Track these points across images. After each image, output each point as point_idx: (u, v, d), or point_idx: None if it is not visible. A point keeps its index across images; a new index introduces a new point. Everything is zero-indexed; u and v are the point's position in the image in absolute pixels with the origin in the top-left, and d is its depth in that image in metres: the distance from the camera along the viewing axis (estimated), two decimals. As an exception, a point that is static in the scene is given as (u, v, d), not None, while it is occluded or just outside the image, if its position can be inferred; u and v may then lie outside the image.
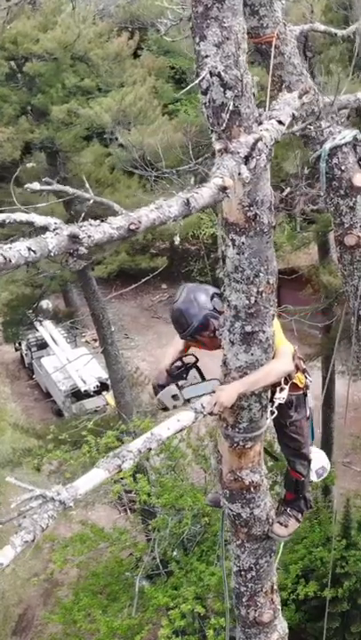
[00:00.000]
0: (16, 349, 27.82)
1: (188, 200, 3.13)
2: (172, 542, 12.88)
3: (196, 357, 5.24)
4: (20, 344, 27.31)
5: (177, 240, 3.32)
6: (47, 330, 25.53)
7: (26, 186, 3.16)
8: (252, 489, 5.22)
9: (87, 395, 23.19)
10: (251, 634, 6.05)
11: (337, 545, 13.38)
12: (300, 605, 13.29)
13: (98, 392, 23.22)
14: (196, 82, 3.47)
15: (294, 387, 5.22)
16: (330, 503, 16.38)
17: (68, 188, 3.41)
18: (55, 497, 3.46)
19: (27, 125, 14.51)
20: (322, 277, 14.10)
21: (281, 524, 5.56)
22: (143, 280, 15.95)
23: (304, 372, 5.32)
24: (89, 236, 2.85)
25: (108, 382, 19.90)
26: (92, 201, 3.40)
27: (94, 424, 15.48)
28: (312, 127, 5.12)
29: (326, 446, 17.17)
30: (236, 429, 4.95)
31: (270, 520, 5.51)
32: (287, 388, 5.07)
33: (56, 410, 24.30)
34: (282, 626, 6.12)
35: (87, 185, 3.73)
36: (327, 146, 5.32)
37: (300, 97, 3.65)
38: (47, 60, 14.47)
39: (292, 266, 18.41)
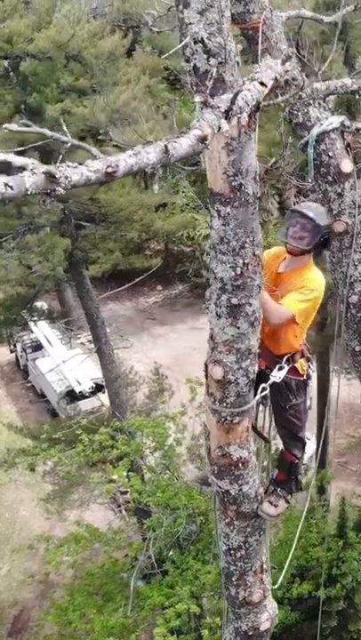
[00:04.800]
0: (11, 351, 27.77)
1: (166, 147, 3.14)
2: (167, 541, 12.83)
3: None
4: (14, 346, 27.27)
5: (155, 189, 3.32)
6: (42, 331, 25.48)
7: (4, 126, 3.17)
8: (240, 465, 5.22)
9: (82, 396, 23.13)
10: (241, 614, 6.06)
11: (334, 545, 13.33)
12: (297, 605, 13.25)
13: (93, 393, 23.16)
14: (179, 47, 3.47)
15: (295, 371, 5.24)
16: (325, 502, 16.35)
17: (46, 131, 3.43)
18: None
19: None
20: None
21: (271, 503, 5.59)
22: (138, 279, 15.92)
23: (308, 360, 5.34)
24: (66, 177, 2.88)
25: (104, 383, 19.86)
26: (69, 144, 3.40)
27: (88, 423, 15.42)
28: (299, 111, 5.08)
29: (322, 445, 17.12)
30: (224, 404, 4.95)
31: (259, 498, 5.51)
32: (286, 368, 5.10)
33: (51, 410, 24.24)
34: (272, 606, 6.13)
35: (65, 128, 3.72)
36: (315, 132, 5.32)
37: (282, 63, 3.64)
38: (41, 59, 14.43)
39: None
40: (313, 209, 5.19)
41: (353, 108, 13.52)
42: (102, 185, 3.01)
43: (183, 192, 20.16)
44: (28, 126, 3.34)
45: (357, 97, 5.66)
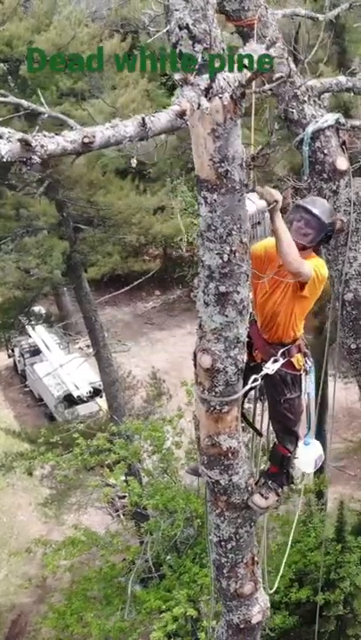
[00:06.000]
0: (9, 356, 27.75)
1: (143, 120, 3.16)
2: (165, 545, 12.80)
3: None
4: (12, 350, 27.26)
5: (134, 163, 3.33)
6: (40, 336, 25.47)
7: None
8: (230, 455, 5.19)
9: (80, 400, 23.10)
10: (232, 606, 6.04)
11: (332, 549, 13.29)
12: (294, 609, 13.20)
13: (91, 397, 23.13)
14: (163, 31, 3.50)
15: (291, 366, 5.21)
16: (323, 507, 16.30)
17: (23, 101, 3.47)
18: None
19: (19, 127, 14.47)
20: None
21: (262, 495, 5.58)
22: (136, 282, 15.91)
23: (305, 355, 5.32)
24: (42, 146, 2.90)
25: (101, 387, 19.83)
26: (46, 115, 3.43)
27: (86, 427, 15.41)
28: (294, 109, 5.09)
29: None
30: (213, 393, 4.92)
31: (249, 488, 5.50)
32: (281, 361, 5.07)
33: (49, 415, 24.21)
34: (263, 599, 6.10)
35: (43, 100, 3.75)
36: (310, 129, 5.33)
37: (267, 48, 3.64)
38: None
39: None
40: (319, 205, 5.14)
41: (351, 112, 13.55)
42: (79, 156, 3.04)
43: (181, 197, 20.21)
44: (5, 96, 3.38)
45: (352, 95, 5.68)
